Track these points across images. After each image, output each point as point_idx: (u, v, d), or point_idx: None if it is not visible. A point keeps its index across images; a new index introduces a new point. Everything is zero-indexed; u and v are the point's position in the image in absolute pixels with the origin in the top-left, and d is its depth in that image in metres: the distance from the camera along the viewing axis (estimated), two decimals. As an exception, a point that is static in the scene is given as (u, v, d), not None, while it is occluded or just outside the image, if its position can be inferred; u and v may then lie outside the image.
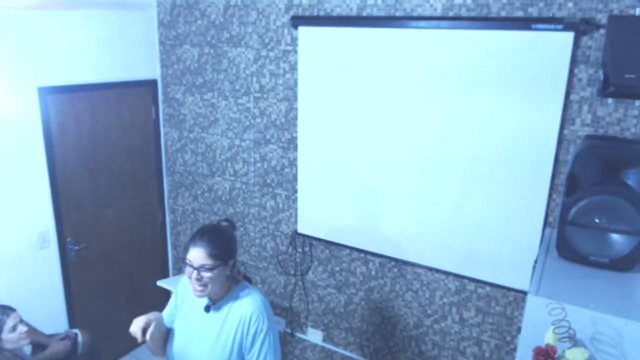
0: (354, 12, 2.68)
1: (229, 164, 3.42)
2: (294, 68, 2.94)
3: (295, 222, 3.17)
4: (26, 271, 2.99)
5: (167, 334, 1.93)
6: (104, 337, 3.36)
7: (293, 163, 3.10)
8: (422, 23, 2.45)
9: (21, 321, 2.33)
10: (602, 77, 1.99)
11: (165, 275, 3.96)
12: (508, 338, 2.63)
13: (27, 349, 2.55)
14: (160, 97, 3.64)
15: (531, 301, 1.63)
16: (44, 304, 3.11)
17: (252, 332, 1.78)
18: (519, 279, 2.44)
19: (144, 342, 1.77)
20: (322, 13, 2.78)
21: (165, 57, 3.54)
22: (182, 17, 3.36)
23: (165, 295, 3.42)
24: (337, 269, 3.11)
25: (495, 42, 2.29)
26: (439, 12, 2.44)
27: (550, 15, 2.19)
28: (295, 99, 2.97)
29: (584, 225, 1.82)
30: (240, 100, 3.24)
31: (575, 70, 2.18)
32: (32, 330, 2.45)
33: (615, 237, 1.79)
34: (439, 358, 2.88)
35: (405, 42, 2.51)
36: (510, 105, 2.30)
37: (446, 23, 2.40)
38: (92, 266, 3.39)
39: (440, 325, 2.82)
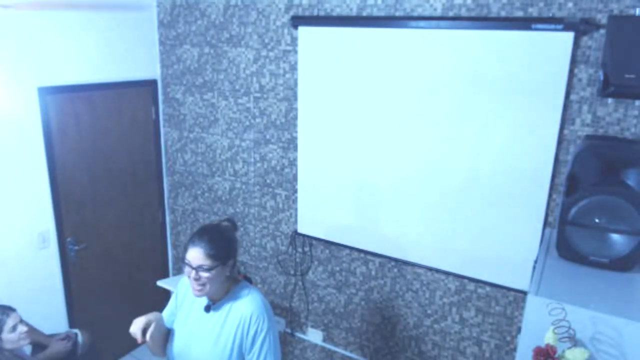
0: (354, 12, 2.68)
1: (229, 164, 3.42)
2: (294, 68, 2.94)
3: (295, 222, 3.17)
4: (26, 271, 2.99)
5: (167, 334, 1.93)
6: (104, 337, 3.36)
7: (293, 163, 3.10)
8: (422, 23, 2.45)
9: (21, 321, 2.32)
10: (602, 77, 1.99)
11: (165, 275, 3.96)
12: (508, 338, 2.63)
13: (27, 349, 2.54)
14: (160, 97, 3.64)
15: (531, 301, 1.63)
16: (44, 304, 3.11)
17: (252, 332, 1.78)
18: (519, 279, 2.44)
19: (144, 342, 1.77)
20: (322, 13, 2.78)
21: (165, 57, 3.54)
22: (182, 17, 3.36)
23: (165, 295, 3.42)
24: (337, 269, 3.11)
25: (495, 42, 2.29)
26: (439, 12, 2.44)
27: (550, 15, 2.19)
28: (295, 99, 2.97)
29: (584, 225, 1.82)
30: (240, 100, 3.24)
31: (575, 70, 2.18)
32: (32, 330, 2.45)
33: (615, 237, 1.79)
34: (439, 358, 2.88)
35: (405, 42, 2.51)
36: (510, 105, 2.30)
37: (446, 23, 2.40)
38: (92, 266, 3.39)
39: (440, 325, 2.82)
